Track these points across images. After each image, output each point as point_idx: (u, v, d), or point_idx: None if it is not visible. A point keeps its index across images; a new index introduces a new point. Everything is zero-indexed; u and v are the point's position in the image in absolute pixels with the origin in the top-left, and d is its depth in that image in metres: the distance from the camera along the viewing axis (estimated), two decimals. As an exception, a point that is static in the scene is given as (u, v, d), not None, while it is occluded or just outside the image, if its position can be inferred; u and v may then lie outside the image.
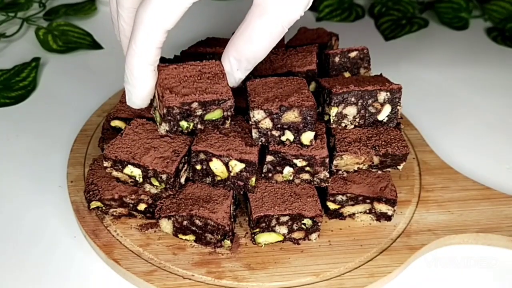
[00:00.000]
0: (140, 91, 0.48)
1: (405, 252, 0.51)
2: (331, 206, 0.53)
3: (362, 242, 0.52)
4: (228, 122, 0.49)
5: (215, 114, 0.48)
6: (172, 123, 0.47)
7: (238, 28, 0.46)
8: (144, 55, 0.46)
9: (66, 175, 0.58)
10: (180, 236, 0.51)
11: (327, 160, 0.50)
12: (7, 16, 0.84)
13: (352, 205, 0.53)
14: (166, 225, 0.51)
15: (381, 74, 0.56)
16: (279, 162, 0.51)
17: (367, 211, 0.53)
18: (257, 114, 0.49)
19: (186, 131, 0.49)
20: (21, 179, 0.59)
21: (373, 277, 0.49)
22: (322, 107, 0.54)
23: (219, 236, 0.49)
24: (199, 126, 0.48)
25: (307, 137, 0.50)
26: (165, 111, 0.46)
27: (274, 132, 0.49)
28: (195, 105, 0.47)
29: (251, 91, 0.51)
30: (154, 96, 0.49)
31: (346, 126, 0.53)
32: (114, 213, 0.53)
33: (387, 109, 0.52)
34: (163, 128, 0.48)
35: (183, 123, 0.48)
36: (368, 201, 0.53)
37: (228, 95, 0.47)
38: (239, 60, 0.47)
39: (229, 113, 0.49)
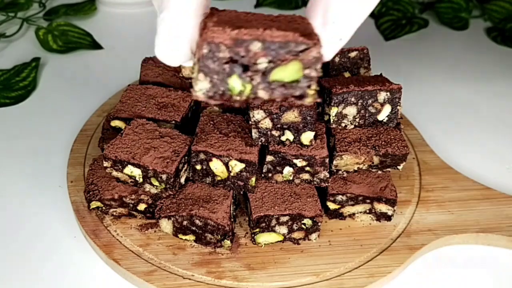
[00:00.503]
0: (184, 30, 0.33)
1: (405, 252, 0.51)
2: (331, 206, 0.53)
3: (362, 242, 0.52)
4: (312, 91, 0.32)
5: (289, 71, 0.31)
6: (215, 77, 0.31)
7: None
8: None
9: (66, 175, 0.58)
10: (180, 236, 0.51)
11: (327, 160, 0.50)
12: (7, 16, 0.84)
13: (352, 205, 0.53)
14: (166, 225, 0.51)
15: (381, 74, 0.56)
16: (279, 162, 0.51)
17: (367, 211, 0.53)
18: (257, 114, 0.49)
19: (236, 99, 0.32)
20: (21, 179, 0.59)
21: (373, 277, 0.49)
22: (322, 107, 0.54)
23: (219, 236, 0.49)
24: (260, 91, 0.32)
25: (307, 137, 0.50)
26: (205, 51, 0.30)
27: (274, 132, 0.49)
28: (256, 46, 0.31)
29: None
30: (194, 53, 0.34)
31: (346, 126, 0.53)
32: (114, 213, 0.53)
33: (387, 109, 0.52)
34: (201, 86, 0.31)
35: (234, 81, 0.31)
36: (368, 201, 0.53)
37: (314, 40, 0.31)
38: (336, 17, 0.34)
39: (313, 73, 0.32)
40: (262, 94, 0.32)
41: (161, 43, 0.34)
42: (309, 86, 0.32)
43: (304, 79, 0.32)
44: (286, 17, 0.33)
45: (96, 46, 0.81)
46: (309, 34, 0.31)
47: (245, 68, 0.31)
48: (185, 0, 0.33)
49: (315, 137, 0.50)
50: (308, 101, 0.32)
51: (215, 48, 0.31)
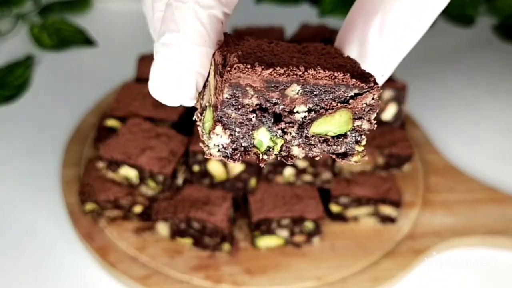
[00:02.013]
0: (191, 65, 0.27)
1: (410, 255, 0.50)
2: (334, 208, 0.52)
3: (365, 245, 0.51)
4: (361, 148, 0.27)
5: (334, 122, 0.25)
6: (237, 130, 0.25)
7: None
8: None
9: (60, 175, 0.57)
10: (178, 239, 0.50)
11: (329, 161, 0.49)
12: (1, 13, 0.83)
13: (356, 207, 0.52)
14: (163, 228, 0.50)
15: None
16: (280, 163, 0.49)
17: (371, 214, 0.52)
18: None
19: (263, 158, 0.26)
20: (14, 179, 0.58)
21: (377, 281, 0.48)
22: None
23: (218, 239, 0.48)
24: (294, 148, 0.26)
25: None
26: (226, 96, 0.24)
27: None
28: (294, 90, 0.25)
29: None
30: (204, 87, 0.28)
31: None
32: (110, 216, 0.52)
33: (391, 108, 0.51)
34: (217, 142, 0.25)
35: (262, 135, 0.25)
36: (372, 202, 0.52)
37: (370, 83, 0.25)
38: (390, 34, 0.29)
39: (365, 125, 0.26)
40: (297, 151, 0.26)
41: (160, 75, 0.27)
42: (357, 142, 0.26)
43: (353, 132, 0.26)
44: (316, 48, 0.28)
45: (91, 43, 0.80)
46: (362, 75, 0.25)
47: (277, 118, 0.25)
48: (206, 20, 0.26)
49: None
50: (354, 159, 0.26)
51: (239, 92, 0.24)
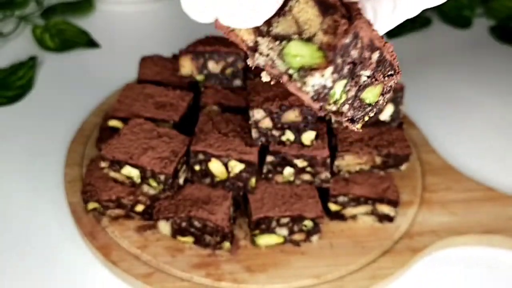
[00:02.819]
0: None
1: (408, 253, 0.51)
2: (333, 207, 0.52)
3: (363, 244, 0.51)
4: (367, 118, 0.29)
5: (374, 93, 0.28)
6: (334, 76, 0.25)
7: None
8: None
9: (63, 175, 0.57)
10: (179, 238, 0.50)
11: (328, 161, 0.50)
12: (4, 15, 0.83)
13: (354, 206, 0.52)
14: (164, 226, 0.50)
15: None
16: (280, 162, 0.50)
17: (369, 213, 0.53)
18: (257, 114, 0.48)
19: (326, 108, 0.27)
20: (17, 179, 0.59)
21: (374, 279, 0.48)
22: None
23: (218, 238, 0.49)
24: (346, 106, 0.27)
25: (308, 137, 0.49)
26: (347, 40, 0.24)
27: (274, 132, 0.49)
28: (375, 56, 0.27)
29: (251, 90, 0.50)
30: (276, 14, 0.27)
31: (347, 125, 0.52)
32: (112, 214, 0.52)
33: (389, 108, 0.51)
34: (314, 82, 0.25)
35: (340, 86, 0.26)
36: (370, 202, 0.52)
37: (398, 68, 0.29)
38: None
39: (382, 101, 0.29)
40: (345, 109, 0.27)
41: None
42: (367, 113, 0.29)
43: (376, 105, 0.28)
44: None
45: (93, 44, 0.81)
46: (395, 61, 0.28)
47: (352, 76, 0.26)
48: None
49: (316, 137, 0.50)
50: (358, 126, 0.29)
51: (354, 42, 0.24)
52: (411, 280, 0.50)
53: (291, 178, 0.51)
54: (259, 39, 0.27)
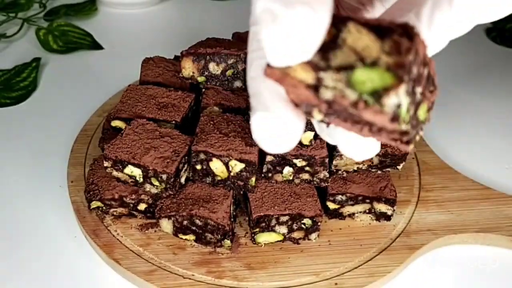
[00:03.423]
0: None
1: (405, 252, 0.51)
2: (331, 206, 0.53)
3: (361, 241, 0.52)
4: (419, 137, 0.29)
5: (424, 109, 0.28)
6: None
7: None
8: None
9: (66, 175, 0.58)
10: (180, 236, 0.51)
11: (326, 160, 0.50)
12: (7, 17, 0.84)
13: (352, 205, 0.53)
14: (166, 225, 0.51)
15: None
16: (279, 162, 0.51)
17: (367, 211, 0.53)
18: (257, 114, 0.48)
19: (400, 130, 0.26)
20: (21, 179, 0.59)
21: (372, 276, 0.49)
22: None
23: (219, 235, 0.49)
24: (404, 125, 0.26)
25: (307, 137, 0.50)
26: (411, 56, 0.25)
27: (274, 132, 0.49)
28: (425, 71, 0.27)
29: (251, 91, 0.51)
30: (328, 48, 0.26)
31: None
32: (115, 213, 0.53)
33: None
34: (393, 102, 0.25)
35: (404, 102, 0.25)
36: (367, 201, 0.53)
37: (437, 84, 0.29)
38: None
39: (429, 118, 0.29)
40: (409, 129, 0.27)
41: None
42: (418, 131, 0.28)
43: (424, 123, 0.28)
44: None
45: (96, 46, 0.81)
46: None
47: (411, 94, 0.26)
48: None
49: (315, 137, 0.50)
50: (411, 148, 0.28)
51: (414, 59, 0.25)
52: (409, 278, 0.51)
53: (291, 177, 0.52)
54: (321, 73, 0.26)
